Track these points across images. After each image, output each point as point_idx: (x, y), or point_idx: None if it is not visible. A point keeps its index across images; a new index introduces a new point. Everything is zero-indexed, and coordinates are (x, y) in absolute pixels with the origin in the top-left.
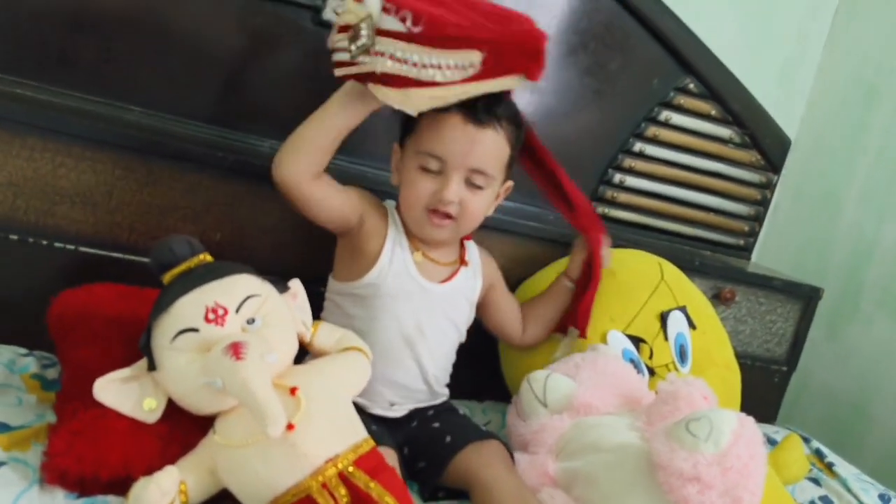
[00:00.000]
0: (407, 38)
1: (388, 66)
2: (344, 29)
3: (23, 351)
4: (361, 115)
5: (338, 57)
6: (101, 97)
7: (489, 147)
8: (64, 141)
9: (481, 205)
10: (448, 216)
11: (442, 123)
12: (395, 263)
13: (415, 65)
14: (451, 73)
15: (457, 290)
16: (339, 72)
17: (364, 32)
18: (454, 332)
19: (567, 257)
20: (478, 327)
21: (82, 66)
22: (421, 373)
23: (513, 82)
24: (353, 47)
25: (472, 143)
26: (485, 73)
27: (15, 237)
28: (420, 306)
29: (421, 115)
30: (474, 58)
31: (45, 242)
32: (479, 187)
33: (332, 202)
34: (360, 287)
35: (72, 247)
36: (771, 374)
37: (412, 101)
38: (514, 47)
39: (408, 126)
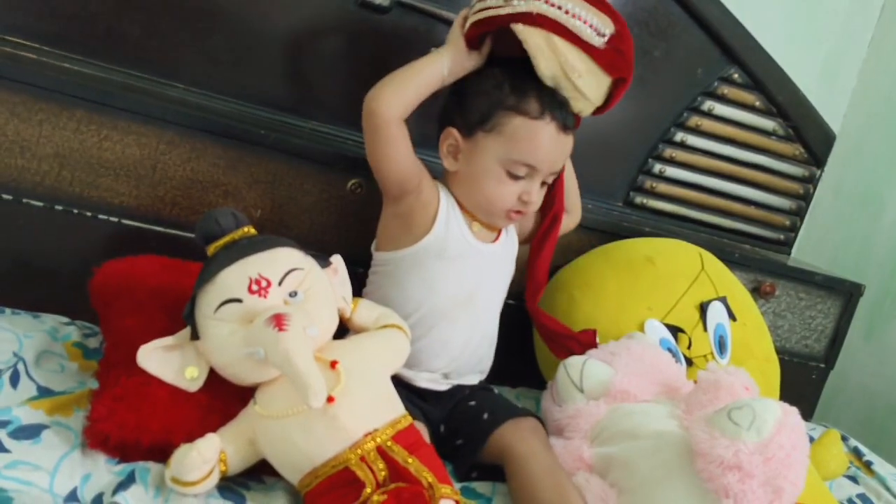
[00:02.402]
0: None
1: (542, 8)
2: None
3: (65, 320)
4: (463, 71)
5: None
6: (145, 73)
7: (569, 149)
8: (110, 114)
9: (544, 193)
10: (520, 212)
11: (539, 133)
12: (451, 229)
13: (566, 12)
14: (590, 33)
15: (505, 246)
16: (480, 15)
17: None
18: (502, 288)
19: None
20: (512, 315)
21: (128, 42)
22: (474, 335)
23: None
24: None
25: (563, 150)
26: (602, 54)
27: (60, 208)
28: (477, 267)
29: (510, 117)
30: (608, 28)
31: (89, 214)
32: (548, 182)
33: (406, 151)
34: (417, 251)
35: (115, 219)
36: (809, 371)
37: (552, 46)
38: (629, 50)
39: (484, 121)
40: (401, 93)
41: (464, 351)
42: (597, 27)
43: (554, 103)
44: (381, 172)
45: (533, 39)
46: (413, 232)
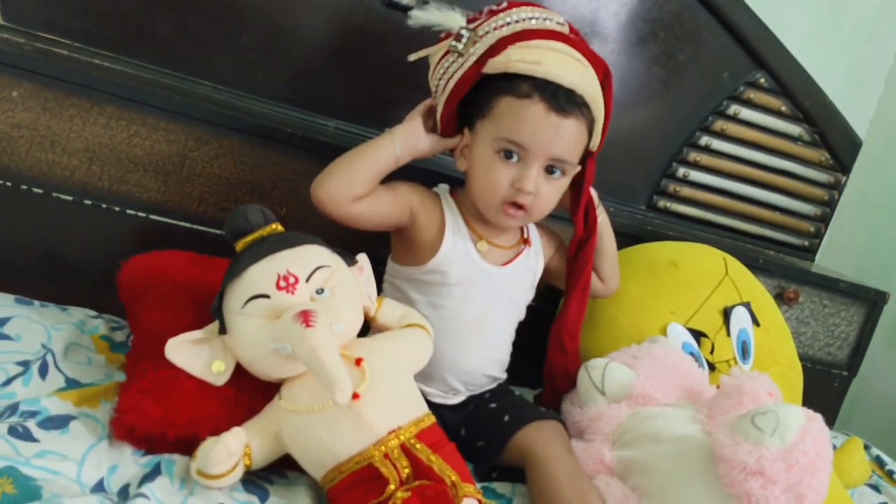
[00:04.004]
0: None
1: (499, 34)
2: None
3: (92, 313)
4: (418, 151)
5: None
6: (174, 71)
7: (572, 135)
8: (140, 110)
9: (556, 193)
10: (521, 207)
11: (525, 111)
12: (457, 250)
13: (518, 21)
14: (553, 24)
15: (519, 271)
16: (450, 86)
17: (464, 32)
18: (516, 313)
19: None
20: (533, 316)
21: (158, 40)
22: (486, 356)
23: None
24: (461, 45)
25: (557, 132)
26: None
27: (89, 202)
28: (485, 291)
29: (500, 99)
30: (561, 17)
31: (117, 209)
32: (556, 175)
33: (376, 215)
34: (423, 273)
35: (143, 214)
36: (831, 379)
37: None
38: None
39: (480, 110)
40: (347, 182)
41: (474, 371)
42: (554, 19)
43: (546, 85)
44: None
45: (512, 62)
46: (419, 254)
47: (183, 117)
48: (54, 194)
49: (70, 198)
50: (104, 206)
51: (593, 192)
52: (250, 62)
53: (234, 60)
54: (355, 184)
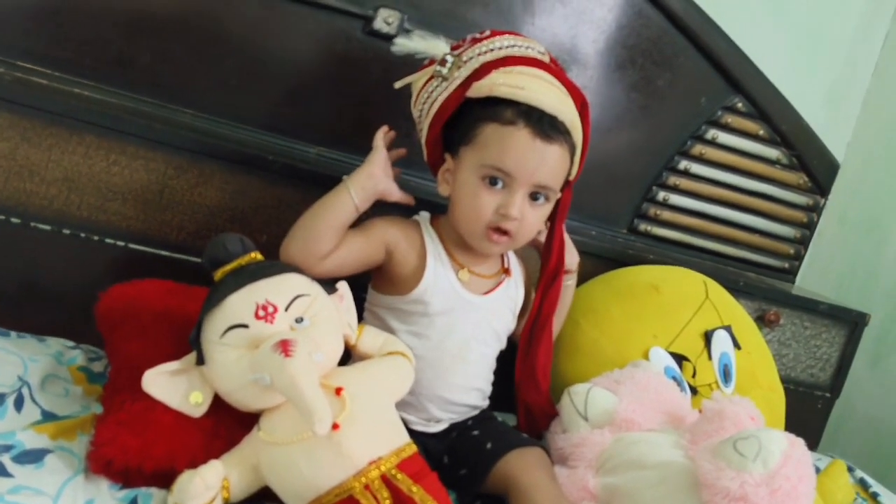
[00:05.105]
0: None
1: (483, 59)
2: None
3: (70, 343)
4: (376, 195)
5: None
6: (155, 99)
7: (555, 161)
8: (119, 139)
9: (539, 219)
10: (506, 233)
11: (509, 138)
12: (440, 280)
13: (500, 48)
14: (534, 53)
15: (500, 300)
16: (433, 109)
17: (448, 57)
18: (497, 343)
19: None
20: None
21: (139, 68)
22: (466, 386)
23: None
24: (445, 69)
25: (542, 158)
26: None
27: (68, 231)
28: (466, 321)
29: (484, 126)
30: (541, 47)
31: (96, 238)
32: (541, 202)
33: (349, 264)
34: (404, 302)
35: (122, 243)
36: (814, 401)
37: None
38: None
39: (464, 136)
40: (310, 243)
41: (455, 400)
42: (536, 48)
43: (530, 112)
44: None
45: (496, 86)
46: (398, 285)
47: (163, 146)
48: (32, 224)
49: (48, 227)
50: (83, 235)
51: (574, 250)
52: (232, 89)
53: (216, 87)
54: (318, 243)
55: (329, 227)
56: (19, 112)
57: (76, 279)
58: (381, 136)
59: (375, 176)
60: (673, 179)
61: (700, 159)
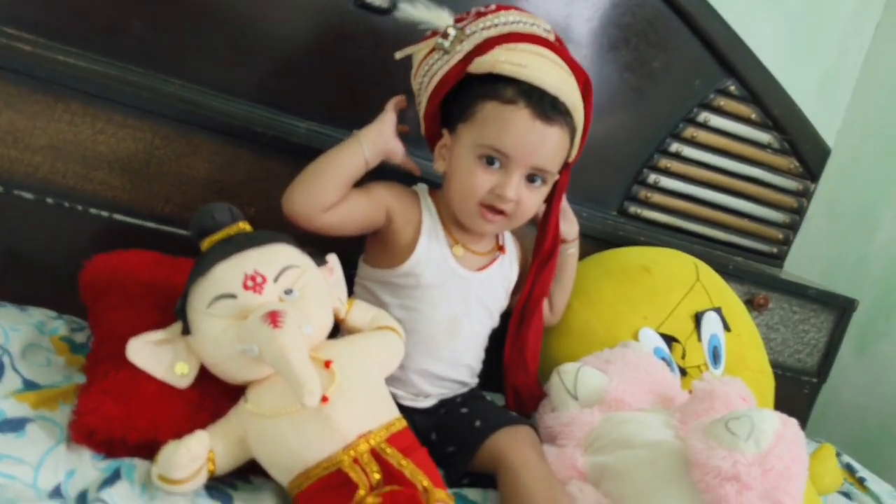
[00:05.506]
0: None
1: (486, 34)
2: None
3: (52, 314)
4: (387, 153)
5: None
6: (145, 69)
7: (555, 144)
8: (106, 107)
9: (536, 201)
10: (502, 213)
11: (509, 117)
12: (432, 254)
13: (505, 24)
14: (540, 30)
15: (493, 277)
16: (433, 82)
17: (451, 30)
18: (489, 320)
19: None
20: (505, 321)
21: (127, 37)
22: (456, 361)
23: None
24: (447, 42)
25: (541, 140)
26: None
27: (52, 201)
28: (458, 295)
29: (483, 103)
30: (547, 24)
31: (80, 208)
32: (538, 184)
33: (350, 222)
34: (395, 275)
35: (107, 213)
36: (801, 385)
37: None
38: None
39: (463, 113)
40: (316, 193)
41: (444, 376)
42: (541, 25)
43: (532, 91)
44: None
45: (499, 63)
46: (393, 255)
47: (150, 114)
48: (16, 192)
49: (32, 196)
50: (67, 204)
51: (573, 219)
52: (223, 61)
53: (206, 59)
54: (325, 194)
55: (337, 179)
56: (4, 77)
57: (59, 249)
58: (394, 102)
59: (386, 133)
60: (664, 162)
61: (692, 142)
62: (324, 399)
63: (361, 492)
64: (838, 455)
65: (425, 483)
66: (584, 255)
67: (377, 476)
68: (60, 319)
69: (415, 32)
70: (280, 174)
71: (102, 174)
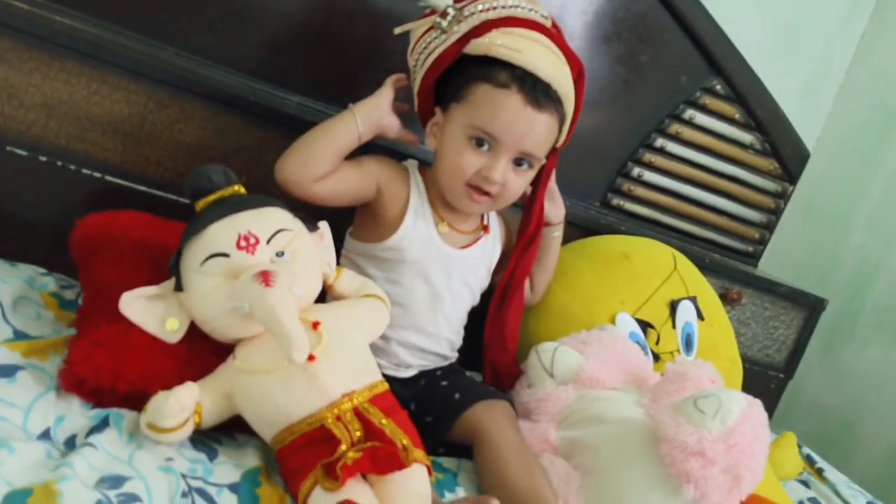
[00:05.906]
0: None
1: (484, 17)
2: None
3: (42, 270)
4: (380, 128)
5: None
6: (137, 34)
7: (544, 130)
8: (101, 68)
9: (522, 184)
10: (488, 194)
11: (501, 101)
12: (418, 230)
13: (503, 7)
14: (538, 16)
15: (476, 256)
16: (429, 61)
17: (450, 10)
18: (470, 297)
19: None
20: (486, 299)
21: (122, 2)
22: (437, 335)
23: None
24: (445, 22)
25: (530, 126)
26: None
27: (44, 158)
28: (441, 272)
29: (477, 85)
30: (545, 11)
31: (72, 167)
32: (524, 167)
33: (340, 193)
34: (381, 249)
35: (99, 174)
36: (768, 380)
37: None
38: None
39: (456, 93)
40: (308, 162)
41: (426, 348)
42: (539, 11)
43: (525, 77)
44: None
45: (495, 46)
46: (380, 229)
47: (145, 78)
48: (8, 148)
49: (25, 153)
50: (59, 163)
51: (560, 202)
52: (217, 32)
53: (201, 29)
54: (317, 164)
55: (329, 150)
56: (1, 33)
57: (51, 208)
58: (394, 79)
59: (381, 107)
60: (648, 156)
61: (676, 138)
62: (310, 357)
63: (343, 447)
64: (799, 446)
65: (405, 441)
66: (566, 242)
67: (359, 433)
68: (50, 276)
69: (410, 11)
70: (271, 144)
71: (95, 135)
